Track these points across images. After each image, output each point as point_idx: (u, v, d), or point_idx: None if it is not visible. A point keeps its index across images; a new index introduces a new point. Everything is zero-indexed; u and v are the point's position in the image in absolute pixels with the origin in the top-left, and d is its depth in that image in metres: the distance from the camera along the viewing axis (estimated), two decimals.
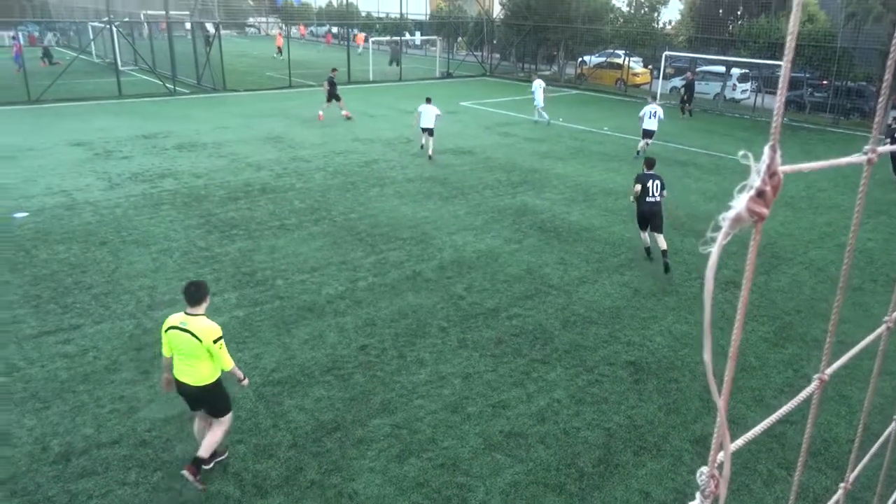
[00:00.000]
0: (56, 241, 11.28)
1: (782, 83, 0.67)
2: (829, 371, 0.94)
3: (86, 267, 10.32)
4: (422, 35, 46.87)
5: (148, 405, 6.98)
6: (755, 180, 0.62)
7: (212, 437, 5.80)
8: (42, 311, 8.90)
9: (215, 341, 5.49)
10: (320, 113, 22.77)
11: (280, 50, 43.43)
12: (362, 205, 13.77)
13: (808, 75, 27.84)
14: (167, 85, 28.09)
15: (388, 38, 42.79)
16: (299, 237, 11.83)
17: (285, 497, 5.79)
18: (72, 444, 6.35)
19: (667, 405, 7.27)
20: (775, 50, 26.30)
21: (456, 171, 16.67)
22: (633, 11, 35.12)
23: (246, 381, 6.02)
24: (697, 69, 29.90)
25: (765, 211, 0.62)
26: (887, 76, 0.89)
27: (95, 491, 5.78)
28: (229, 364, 5.67)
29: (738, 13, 29.79)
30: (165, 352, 5.72)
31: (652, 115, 17.94)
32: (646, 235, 11.26)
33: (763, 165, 0.62)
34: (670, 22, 35.62)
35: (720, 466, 0.69)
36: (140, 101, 26.01)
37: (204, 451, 5.77)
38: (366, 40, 44.96)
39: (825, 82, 27.03)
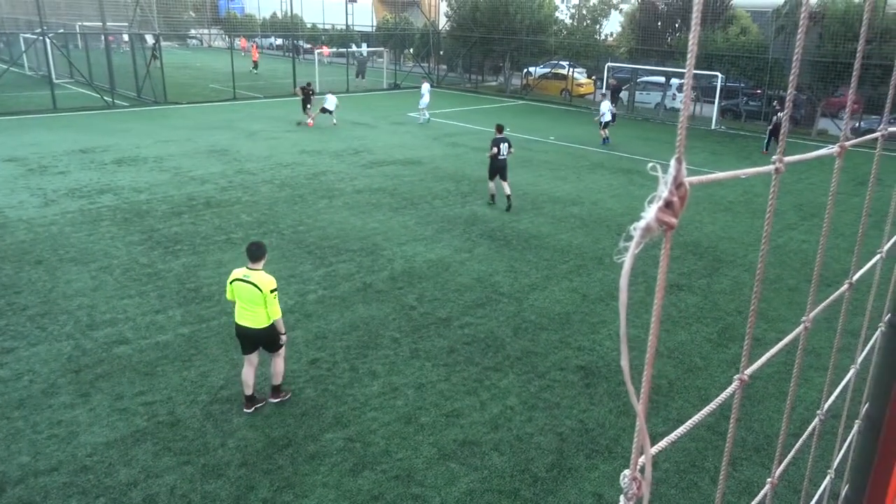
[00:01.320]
0: None
1: (685, 99, 0.70)
2: (748, 371, 0.98)
3: (20, 287, 9.89)
4: (368, 46, 46.79)
5: (88, 429, 6.72)
6: (663, 191, 0.65)
7: (276, 367, 7.10)
8: None
9: (271, 291, 6.63)
10: (309, 121, 24.16)
11: (256, 64, 42.80)
12: (311, 217, 13.63)
13: (743, 85, 29.00)
14: (105, 98, 27.25)
15: (356, 50, 42.90)
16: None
17: None
18: (6, 473, 6.06)
19: (617, 408, 7.41)
20: (711, 61, 27.38)
21: (405, 182, 16.68)
22: (575, 24, 35.88)
23: (285, 338, 7.07)
24: (638, 79, 31.11)
25: (673, 220, 0.65)
26: (791, 90, 0.94)
27: None
28: (278, 314, 6.78)
29: (676, 26, 30.79)
30: (229, 296, 6.93)
31: (609, 111, 22.85)
32: (492, 185, 14.54)
33: (670, 177, 0.65)
34: (612, 34, 36.51)
35: (642, 469, 0.71)
36: (76, 114, 25.15)
37: (276, 379, 7.18)
38: (312, 52, 44.73)
39: (759, 91, 28.20)
